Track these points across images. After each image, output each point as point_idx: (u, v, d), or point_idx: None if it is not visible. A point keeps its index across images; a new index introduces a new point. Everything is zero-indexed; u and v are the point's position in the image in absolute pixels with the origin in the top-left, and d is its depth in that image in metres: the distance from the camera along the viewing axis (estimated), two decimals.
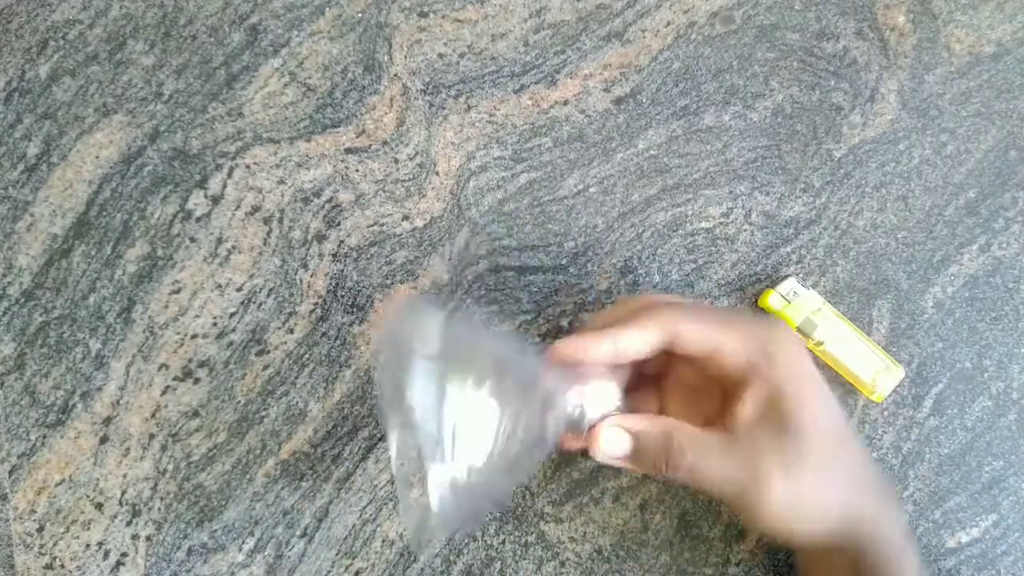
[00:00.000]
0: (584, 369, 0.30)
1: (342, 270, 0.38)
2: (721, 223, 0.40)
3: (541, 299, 0.39)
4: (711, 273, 0.40)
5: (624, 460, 0.30)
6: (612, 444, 0.30)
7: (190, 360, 0.37)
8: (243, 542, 0.37)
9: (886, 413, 0.39)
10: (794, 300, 0.38)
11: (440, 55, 0.40)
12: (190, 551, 0.37)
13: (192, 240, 0.38)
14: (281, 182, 0.39)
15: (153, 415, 0.37)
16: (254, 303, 0.38)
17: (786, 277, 0.39)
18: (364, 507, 0.37)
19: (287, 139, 0.39)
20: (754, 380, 0.29)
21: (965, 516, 0.38)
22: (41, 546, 0.36)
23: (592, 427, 0.30)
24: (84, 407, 0.37)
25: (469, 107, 0.40)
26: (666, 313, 0.30)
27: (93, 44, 0.39)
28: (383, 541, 0.37)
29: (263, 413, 0.37)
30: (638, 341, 0.29)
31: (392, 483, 0.36)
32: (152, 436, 0.37)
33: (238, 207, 0.38)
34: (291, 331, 0.38)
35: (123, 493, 0.37)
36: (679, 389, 0.33)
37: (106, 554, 0.36)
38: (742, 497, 0.29)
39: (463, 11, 0.40)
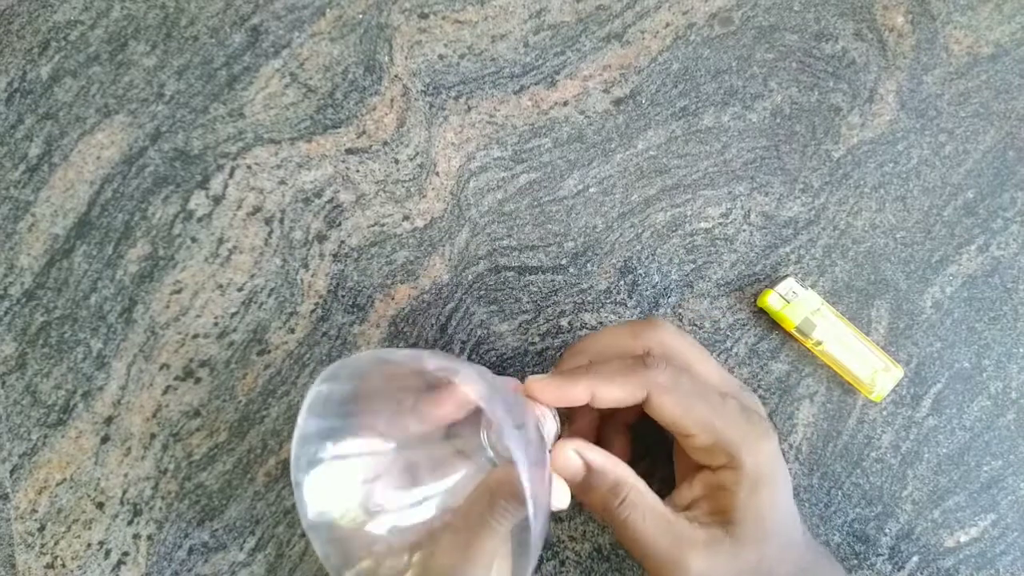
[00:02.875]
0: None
1: (343, 270, 0.39)
2: (720, 223, 0.40)
3: (541, 299, 0.39)
4: (710, 273, 0.40)
5: (573, 486, 0.30)
6: (565, 467, 0.29)
7: (191, 360, 0.38)
8: (244, 541, 0.37)
9: (885, 413, 0.39)
10: (793, 300, 0.38)
11: (440, 56, 0.40)
12: (191, 550, 0.37)
13: (193, 240, 0.38)
14: (282, 182, 0.39)
15: (154, 415, 0.37)
16: (255, 303, 0.38)
17: (785, 277, 0.39)
18: None
19: (288, 140, 0.39)
20: (715, 466, 0.29)
21: (964, 516, 0.38)
22: (42, 545, 0.36)
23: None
24: (85, 407, 0.37)
25: (469, 108, 0.40)
26: (653, 375, 0.29)
27: (94, 45, 0.39)
28: None
29: (264, 412, 0.38)
30: (617, 395, 0.29)
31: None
32: (153, 436, 0.37)
33: (239, 207, 0.39)
34: (292, 331, 0.38)
35: (124, 492, 0.37)
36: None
37: (107, 553, 0.36)
38: (659, 572, 0.29)
39: (463, 12, 0.40)
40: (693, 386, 0.29)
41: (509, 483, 0.26)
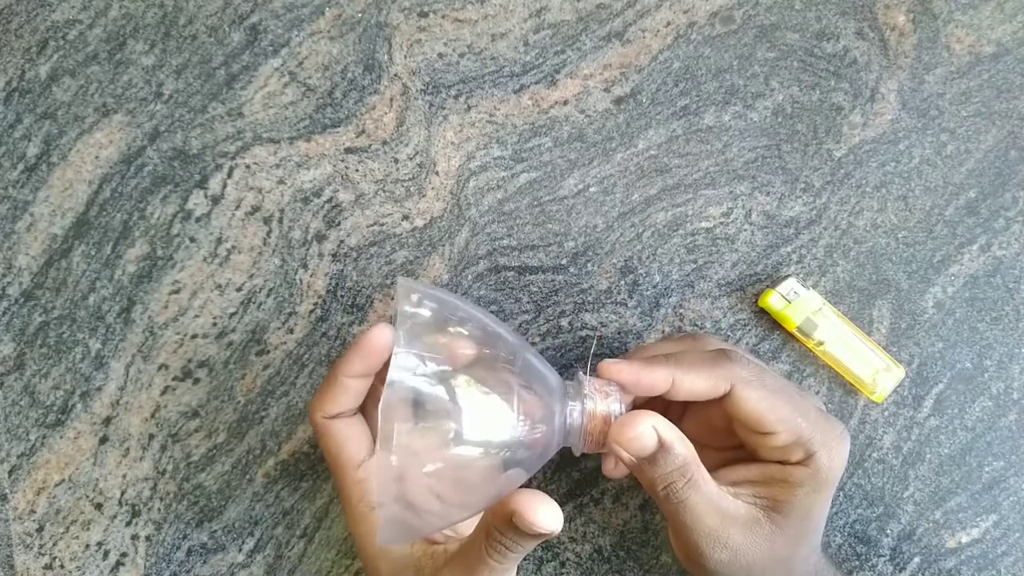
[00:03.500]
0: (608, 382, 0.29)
1: (342, 270, 0.38)
2: (721, 223, 0.40)
3: (541, 299, 0.39)
4: (711, 273, 0.39)
5: (637, 461, 0.28)
6: (638, 441, 0.27)
7: (190, 360, 0.37)
8: (243, 542, 0.37)
9: (886, 413, 0.39)
10: (794, 300, 0.38)
11: (440, 55, 0.40)
12: (190, 551, 0.37)
13: (192, 240, 0.38)
14: (281, 182, 0.39)
15: (153, 415, 0.37)
16: (254, 303, 0.38)
17: (786, 277, 0.39)
18: None
19: (287, 139, 0.39)
20: (789, 462, 0.29)
21: (966, 516, 0.38)
22: (41, 546, 0.36)
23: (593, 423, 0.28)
24: (84, 407, 0.37)
25: (469, 107, 0.40)
26: (737, 369, 0.28)
27: (93, 44, 0.39)
28: None
29: (263, 413, 0.37)
30: (701, 386, 0.28)
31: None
32: (152, 436, 0.37)
33: (238, 207, 0.38)
34: (291, 331, 0.38)
35: (123, 493, 0.37)
36: (693, 422, 0.33)
37: (106, 554, 0.36)
38: (697, 545, 0.28)
39: (463, 11, 0.40)
40: (776, 384, 0.29)
41: (504, 514, 0.25)
